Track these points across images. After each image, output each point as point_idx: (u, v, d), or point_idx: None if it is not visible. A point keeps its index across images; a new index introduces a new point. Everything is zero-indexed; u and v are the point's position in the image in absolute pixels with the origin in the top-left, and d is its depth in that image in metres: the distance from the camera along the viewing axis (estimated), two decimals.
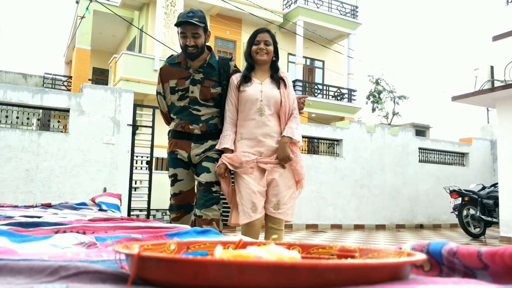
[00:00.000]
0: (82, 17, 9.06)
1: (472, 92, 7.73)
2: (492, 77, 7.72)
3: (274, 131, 2.51)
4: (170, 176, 2.62)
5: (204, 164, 2.54)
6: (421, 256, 0.66)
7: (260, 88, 2.54)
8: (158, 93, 2.69)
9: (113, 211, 1.84)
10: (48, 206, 1.87)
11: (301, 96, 2.77)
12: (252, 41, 2.60)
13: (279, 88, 2.55)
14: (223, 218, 2.68)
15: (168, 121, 2.73)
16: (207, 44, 2.62)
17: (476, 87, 7.77)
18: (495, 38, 7.82)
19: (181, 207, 2.61)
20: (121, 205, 2.07)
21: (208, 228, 1.10)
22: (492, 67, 7.78)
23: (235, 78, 2.58)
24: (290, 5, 15.18)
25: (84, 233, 0.99)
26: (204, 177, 2.51)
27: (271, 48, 2.57)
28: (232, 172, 2.56)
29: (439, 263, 0.72)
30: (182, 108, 2.57)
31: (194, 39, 2.44)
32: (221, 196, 2.61)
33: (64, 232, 0.96)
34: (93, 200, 2.03)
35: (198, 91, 2.54)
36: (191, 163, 2.59)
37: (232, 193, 2.57)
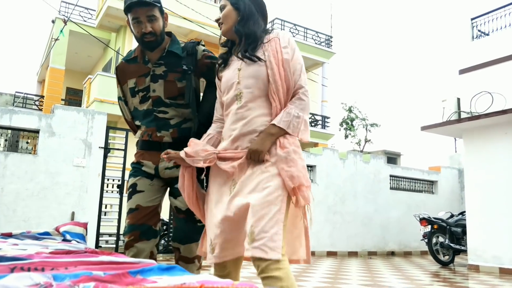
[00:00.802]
0: (56, 39, 8.97)
1: (440, 123, 8.01)
2: (459, 109, 8.03)
3: (258, 124, 1.72)
4: (128, 189, 2.08)
5: None
6: None
7: (238, 65, 1.81)
8: (118, 98, 2.24)
9: (77, 241, 1.79)
10: (9, 235, 1.80)
11: None
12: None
13: (252, 60, 1.76)
14: None
15: (134, 130, 2.24)
16: (166, 30, 2.14)
17: (444, 118, 8.06)
18: (462, 71, 8.18)
19: (135, 228, 1.97)
20: (86, 234, 2.01)
21: (173, 265, 1.04)
22: (458, 99, 8.11)
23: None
24: None
25: (42, 269, 0.96)
26: (183, 202, 1.97)
27: (224, 12, 1.85)
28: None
29: None
30: (146, 112, 2.07)
31: (150, 23, 1.97)
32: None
33: (22, 268, 0.93)
34: (57, 229, 1.96)
35: (161, 88, 2.03)
36: (158, 176, 2.06)
37: (197, 201, 1.83)
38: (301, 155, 1.70)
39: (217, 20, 1.87)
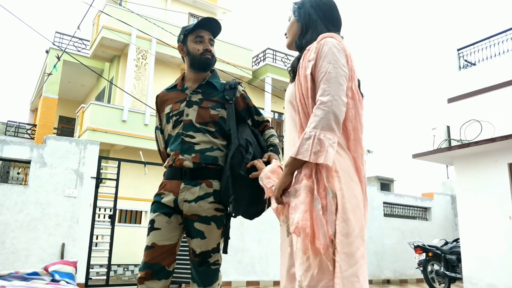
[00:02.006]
0: (49, 74, 9.04)
1: (431, 151, 8.09)
2: (449, 136, 8.14)
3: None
4: (148, 224, 2.05)
5: (197, 225, 1.95)
6: None
7: None
8: (156, 128, 2.23)
9: (66, 282, 1.76)
10: None
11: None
12: None
13: (297, 76, 1.60)
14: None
15: (165, 161, 2.20)
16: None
17: (435, 146, 8.15)
18: (450, 100, 8.33)
19: (148, 267, 1.92)
20: (76, 273, 1.97)
21: None
22: (448, 127, 8.23)
23: None
24: (259, 63, 15.76)
25: None
26: (197, 245, 1.94)
27: (289, 24, 1.76)
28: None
29: None
30: (176, 136, 2.06)
31: (210, 46, 2.14)
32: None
33: None
34: (46, 268, 1.93)
35: (194, 113, 2.04)
36: (177, 210, 1.99)
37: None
38: (312, 191, 1.41)
39: (285, 34, 1.79)
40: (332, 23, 1.70)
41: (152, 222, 1.99)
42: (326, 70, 1.50)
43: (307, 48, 1.60)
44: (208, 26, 2.14)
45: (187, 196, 1.96)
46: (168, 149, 2.10)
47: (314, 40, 1.60)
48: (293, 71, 1.62)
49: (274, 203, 1.55)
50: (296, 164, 1.46)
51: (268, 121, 2.24)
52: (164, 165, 2.13)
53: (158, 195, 2.05)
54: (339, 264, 1.35)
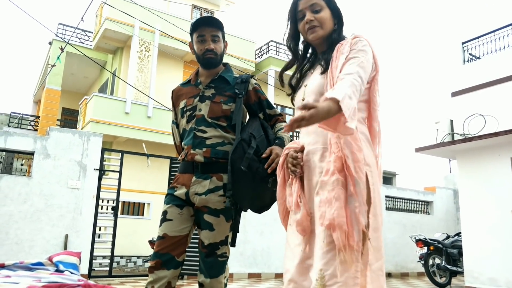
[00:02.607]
0: (53, 66, 9.05)
1: (433, 144, 8.08)
2: (452, 131, 8.12)
3: (319, 142, 1.54)
4: (161, 215, 2.09)
5: (207, 217, 1.98)
6: None
7: (306, 81, 1.67)
8: (172, 122, 2.29)
9: (71, 272, 1.78)
10: (2, 266, 1.79)
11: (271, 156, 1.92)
12: (293, 13, 1.70)
13: (327, 69, 1.56)
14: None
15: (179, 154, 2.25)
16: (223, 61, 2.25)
17: (438, 139, 8.13)
18: (454, 94, 8.30)
19: (158, 257, 1.96)
20: (80, 263, 2.00)
21: None
22: (451, 121, 8.21)
23: None
24: (262, 55, 15.70)
25: None
26: (206, 236, 1.98)
27: (323, 15, 1.64)
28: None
29: None
30: (189, 131, 2.11)
31: (213, 43, 2.12)
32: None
33: None
34: (50, 259, 1.95)
35: (207, 108, 2.09)
36: (189, 203, 2.04)
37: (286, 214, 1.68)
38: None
39: (310, 21, 1.63)
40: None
41: (164, 213, 2.04)
42: (357, 57, 1.51)
43: (340, 42, 1.59)
44: (208, 22, 2.13)
45: (198, 189, 2.00)
46: (182, 143, 2.16)
47: (343, 37, 1.62)
48: (326, 63, 1.58)
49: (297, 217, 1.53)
50: (332, 111, 1.30)
51: (281, 114, 2.23)
52: (178, 158, 2.17)
53: (172, 188, 2.11)
54: (370, 257, 1.38)
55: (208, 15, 2.01)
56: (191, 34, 2.19)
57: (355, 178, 1.41)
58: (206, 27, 2.12)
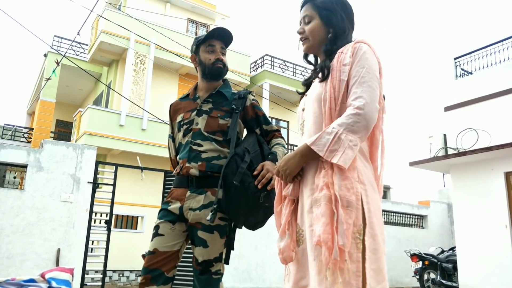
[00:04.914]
0: (48, 79, 9.05)
1: (427, 159, 8.12)
2: (445, 145, 8.17)
3: None
4: (153, 230, 2.05)
5: (201, 234, 1.95)
6: None
7: (308, 92, 1.66)
8: (168, 136, 2.30)
9: None
10: None
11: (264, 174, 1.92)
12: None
13: (325, 78, 1.53)
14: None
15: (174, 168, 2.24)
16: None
17: (431, 154, 8.18)
18: (447, 108, 8.37)
19: (148, 272, 1.93)
20: (72, 280, 1.97)
21: None
22: (445, 135, 8.27)
23: None
24: (257, 69, 15.80)
25: None
26: (200, 253, 1.95)
27: (311, 25, 1.63)
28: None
29: None
30: (185, 144, 2.10)
31: (222, 55, 2.16)
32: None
33: None
34: (42, 275, 1.92)
35: (204, 122, 2.09)
36: (183, 218, 2.00)
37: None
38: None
39: (300, 33, 1.65)
40: (353, 27, 1.68)
41: (156, 228, 2.02)
42: (359, 75, 1.45)
43: (340, 50, 1.54)
44: (220, 36, 2.16)
45: (192, 204, 1.98)
46: (178, 157, 2.14)
47: (344, 45, 1.56)
48: (327, 71, 1.54)
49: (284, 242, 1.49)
50: (308, 155, 1.40)
51: (278, 130, 2.24)
52: (173, 172, 2.16)
53: (166, 203, 2.08)
54: (368, 281, 1.31)
55: (223, 27, 2.05)
56: (198, 45, 2.18)
57: (338, 196, 1.34)
58: (219, 40, 2.16)
